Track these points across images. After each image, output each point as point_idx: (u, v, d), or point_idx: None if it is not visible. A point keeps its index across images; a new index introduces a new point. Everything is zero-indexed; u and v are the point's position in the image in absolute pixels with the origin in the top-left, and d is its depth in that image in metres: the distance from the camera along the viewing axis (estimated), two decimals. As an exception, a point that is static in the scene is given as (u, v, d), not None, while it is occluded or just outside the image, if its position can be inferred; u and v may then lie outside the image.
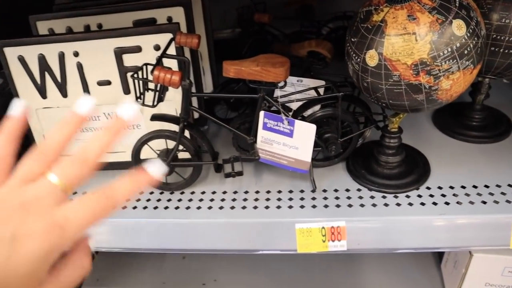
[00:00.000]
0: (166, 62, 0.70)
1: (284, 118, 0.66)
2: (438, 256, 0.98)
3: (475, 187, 0.69)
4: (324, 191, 0.71)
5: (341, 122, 0.72)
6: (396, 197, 0.68)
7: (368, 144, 0.78)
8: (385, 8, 0.56)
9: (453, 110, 0.84)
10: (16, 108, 0.39)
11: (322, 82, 0.74)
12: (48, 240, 0.33)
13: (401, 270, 0.97)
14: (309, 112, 0.71)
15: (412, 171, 0.71)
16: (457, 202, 0.66)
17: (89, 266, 0.38)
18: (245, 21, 1.03)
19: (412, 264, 0.98)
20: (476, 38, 0.55)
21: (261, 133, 0.69)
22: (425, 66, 0.54)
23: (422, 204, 0.66)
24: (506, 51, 0.65)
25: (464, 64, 0.55)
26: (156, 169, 0.39)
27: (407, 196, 0.68)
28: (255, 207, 0.69)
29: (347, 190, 0.70)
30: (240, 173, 0.69)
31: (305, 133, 0.67)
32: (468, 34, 0.54)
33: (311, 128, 0.66)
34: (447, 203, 0.66)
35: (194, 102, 0.86)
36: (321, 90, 0.73)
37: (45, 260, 0.33)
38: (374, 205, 0.67)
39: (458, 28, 0.53)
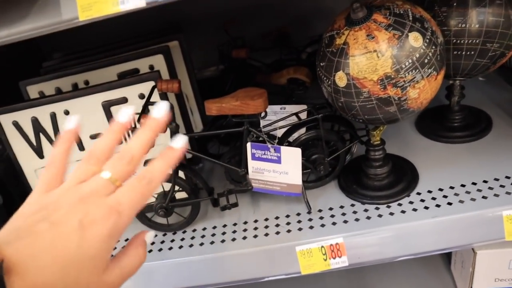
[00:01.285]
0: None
1: (269, 146, 0.69)
2: (447, 257, 0.99)
3: (463, 185, 0.71)
4: (320, 211, 0.73)
5: (327, 142, 0.75)
6: (388, 207, 0.70)
7: (357, 159, 0.81)
8: (346, 31, 0.59)
9: (434, 115, 0.87)
10: (69, 123, 0.46)
11: (304, 107, 0.78)
12: (109, 223, 0.38)
13: (412, 276, 0.98)
14: (295, 136, 0.74)
15: (401, 179, 0.74)
16: (448, 203, 0.68)
17: (145, 256, 0.43)
18: (226, 57, 1.08)
19: (423, 268, 0.99)
20: (434, 47, 0.58)
21: (251, 164, 0.72)
22: (390, 80, 0.57)
23: (414, 210, 0.68)
24: (468, 53, 0.68)
25: (427, 72, 0.58)
26: (180, 142, 0.45)
27: (399, 204, 0.70)
28: (255, 236, 0.71)
29: (341, 206, 0.73)
30: (235, 205, 0.71)
31: (292, 158, 0.69)
32: (426, 44, 0.57)
33: (297, 152, 0.69)
34: (438, 205, 0.68)
35: (186, 142, 0.89)
36: (305, 114, 0.76)
37: (109, 242, 0.38)
38: (368, 217, 0.69)
39: (415, 40, 0.57)
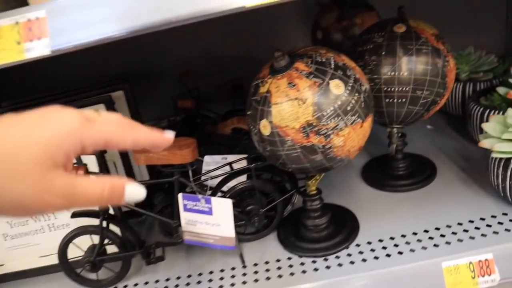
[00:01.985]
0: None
1: (200, 197, 0.67)
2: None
3: (403, 236, 0.69)
4: (255, 265, 0.69)
5: (265, 193, 0.72)
6: (326, 259, 0.67)
7: (298, 210, 0.78)
8: (269, 79, 0.59)
9: (379, 163, 0.86)
10: (168, 134, 0.41)
11: (243, 156, 0.76)
12: (73, 124, 0.35)
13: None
14: (230, 186, 0.72)
15: (341, 230, 0.71)
16: (386, 255, 0.66)
17: (103, 202, 0.37)
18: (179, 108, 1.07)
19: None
20: (357, 94, 0.57)
21: (183, 215, 0.69)
22: (312, 127, 0.56)
23: (352, 262, 0.65)
24: (399, 100, 0.68)
25: (350, 120, 0.57)
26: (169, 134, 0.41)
27: (337, 257, 0.67)
28: (188, 292, 0.67)
29: (278, 260, 0.69)
30: (160, 258, 0.68)
31: (223, 209, 0.67)
32: (348, 91, 0.57)
33: (227, 203, 0.66)
34: (376, 258, 0.65)
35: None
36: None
37: (67, 140, 0.35)
38: (304, 271, 0.66)
39: (336, 87, 0.56)
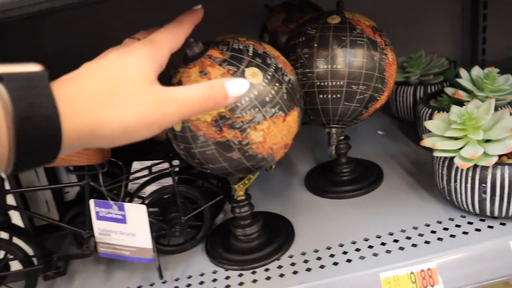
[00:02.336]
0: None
1: (112, 204, 0.59)
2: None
3: (341, 245, 0.62)
4: (177, 279, 0.62)
5: (191, 200, 0.66)
6: (254, 272, 0.60)
7: (231, 219, 0.71)
8: (181, 69, 0.53)
9: (324, 169, 0.80)
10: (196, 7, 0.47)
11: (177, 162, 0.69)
12: (144, 48, 0.39)
13: None
14: (151, 191, 0.65)
15: (274, 240, 0.64)
16: (320, 266, 0.59)
17: (208, 104, 0.39)
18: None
19: None
20: (277, 84, 0.51)
21: (96, 224, 0.62)
22: (225, 120, 0.49)
23: (281, 275, 0.59)
24: (334, 96, 0.62)
25: (270, 112, 0.51)
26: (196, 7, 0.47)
27: (266, 270, 0.60)
28: (99, 313, 0.59)
29: (202, 274, 0.62)
30: (62, 273, 0.60)
31: (137, 216, 0.59)
32: (267, 81, 0.51)
33: (142, 209, 0.59)
34: (308, 269, 0.59)
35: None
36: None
37: (148, 61, 0.39)
38: (227, 286, 0.58)
39: (253, 76, 0.50)
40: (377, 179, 0.76)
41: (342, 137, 0.74)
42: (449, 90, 0.79)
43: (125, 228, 0.60)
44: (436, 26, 1.24)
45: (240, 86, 0.41)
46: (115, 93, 0.35)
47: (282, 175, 0.85)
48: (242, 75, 0.50)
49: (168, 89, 0.38)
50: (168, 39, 0.42)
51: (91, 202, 0.61)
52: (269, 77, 0.51)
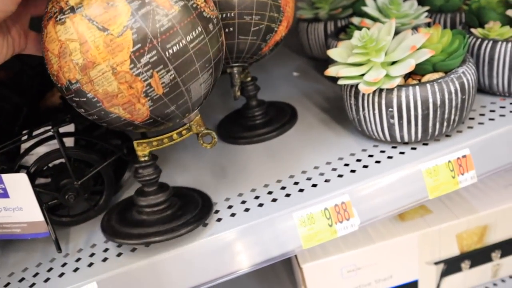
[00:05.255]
0: None
1: (-14, 176, 0.52)
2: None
3: (253, 190, 0.59)
4: (79, 250, 0.56)
5: (88, 164, 0.59)
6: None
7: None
8: None
9: (236, 116, 0.76)
10: None
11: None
12: None
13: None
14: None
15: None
16: (231, 215, 0.56)
17: None
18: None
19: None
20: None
21: (-24, 204, 0.54)
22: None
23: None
24: (227, 30, 0.57)
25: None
26: None
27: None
28: (-7, 298, 0.53)
29: (107, 241, 0.57)
30: None
31: (20, 188, 0.52)
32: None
33: (23, 178, 0.52)
34: (219, 220, 0.55)
35: None
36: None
37: None
38: (134, 249, 0.54)
39: None
40: (291, 120, 0.72)
41: (249, 78, 0.69)
42: (356, 20, 0.76)
43: (9, 202, 0.53)
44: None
45: None
46: None
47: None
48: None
49: None
50: None
51: (-37, 178, 0.53)
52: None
